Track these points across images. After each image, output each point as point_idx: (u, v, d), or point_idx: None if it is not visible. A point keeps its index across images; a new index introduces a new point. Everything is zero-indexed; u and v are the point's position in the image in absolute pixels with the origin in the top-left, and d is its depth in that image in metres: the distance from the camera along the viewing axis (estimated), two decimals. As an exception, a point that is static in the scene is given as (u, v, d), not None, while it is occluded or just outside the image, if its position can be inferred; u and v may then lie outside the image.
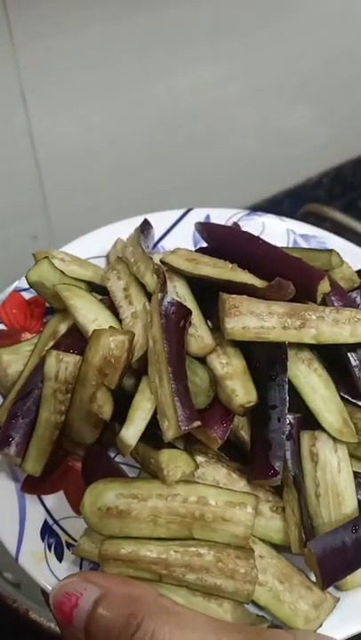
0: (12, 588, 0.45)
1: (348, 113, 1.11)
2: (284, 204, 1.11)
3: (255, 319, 0.38)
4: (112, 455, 0.40)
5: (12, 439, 0.37)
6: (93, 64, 0.70)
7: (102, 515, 0.33)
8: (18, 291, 0.46)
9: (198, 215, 0.54)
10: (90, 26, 0.66)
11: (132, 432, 0.36)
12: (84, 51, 0.68)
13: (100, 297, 0.44)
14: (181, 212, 0.55)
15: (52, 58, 0.66)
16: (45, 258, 0.44)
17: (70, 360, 0.38)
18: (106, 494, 0.34)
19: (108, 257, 0.51)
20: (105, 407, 0.37)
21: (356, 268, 0.46)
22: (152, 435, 0.37)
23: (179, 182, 0.92)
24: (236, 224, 0.54)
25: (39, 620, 0.42)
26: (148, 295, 0.41)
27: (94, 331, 0.38)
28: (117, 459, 0.40)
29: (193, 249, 0.49)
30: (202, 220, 0.54)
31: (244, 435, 0.39)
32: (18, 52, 0.62)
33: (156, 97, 0.80)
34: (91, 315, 0.41)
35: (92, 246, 0.50)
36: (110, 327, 0.39)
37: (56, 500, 0.38)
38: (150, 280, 0.42)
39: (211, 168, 0.95)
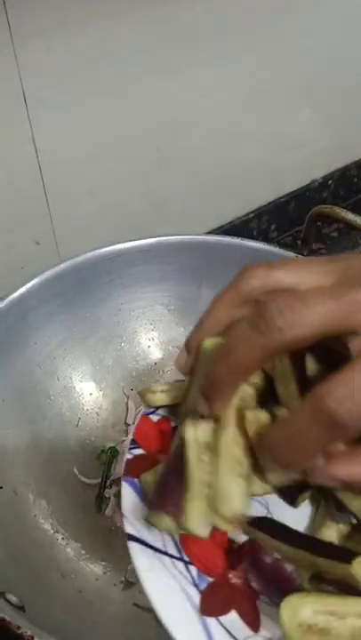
0: (15, 611, 0.43)
1: (352, 114, 1.09)
2: (290, 207, 1.10)
3: None
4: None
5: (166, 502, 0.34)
6: (95, 64, 0.68)
7: (304, 631, 0.31)
8: (146, 414, 0.45)
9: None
10: (91, 22, 0.64)
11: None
12: (85, 50, 0.66)
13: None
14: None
15: (53, 57, 0.64)
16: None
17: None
18: (302, 610, 0.31)
19: None
20: None
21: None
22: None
23: (182, 187, 0.91)
24: None
25: (46, 647, 0.40)
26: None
27: None
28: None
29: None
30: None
31: None
32: (18, 51, 0.61)
33: (159, 98, 0.79)
34: None
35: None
36: None
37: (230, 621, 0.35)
38: None
39: (214, 172, 0.94)
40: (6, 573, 0.49)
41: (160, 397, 0.43)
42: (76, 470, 0.64)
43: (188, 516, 0.33)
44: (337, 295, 0.29)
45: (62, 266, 0.66)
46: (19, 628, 0.41)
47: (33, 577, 0.51)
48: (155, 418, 0.45)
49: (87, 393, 0.69)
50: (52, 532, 0.58)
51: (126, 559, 0.55)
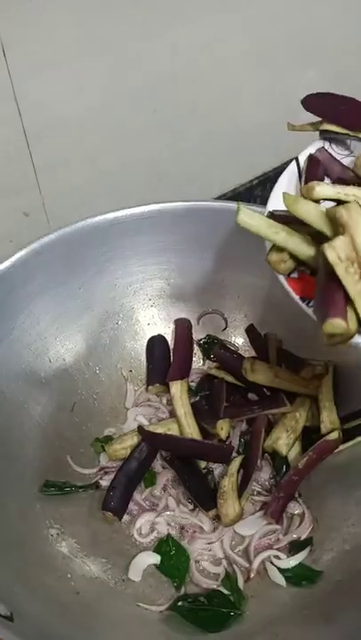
0: (2, 622, 0.38)
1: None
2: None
3: None
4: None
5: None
6: (84, 14, 0.62)
7: None
8: None
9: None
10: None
11: None
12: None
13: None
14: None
15: (36, 4, 0.57)
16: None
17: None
18: None
19: None
20: None
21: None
22: None
23: (181, 151, 0.84)
24: None
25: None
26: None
27: None
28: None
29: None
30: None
31: None
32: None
33: (155, 54, 0.72)
34: None
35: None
36: None
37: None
38: None
39: (216, 135, 0.87)
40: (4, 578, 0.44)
41: None
42: (69, 459, 0.59)
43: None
44: None
45: (52, 236, 0.60)
46: (5, 643, 0.37)
47: (25, 579, 0.47)
48: None
49: (82, 375, 0.64)
50: (45, 527, 0.53)
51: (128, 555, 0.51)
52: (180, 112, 0.80)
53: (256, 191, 0.99)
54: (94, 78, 0.68)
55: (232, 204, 0.64)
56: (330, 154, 0.49)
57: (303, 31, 0.86)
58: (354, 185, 0.43)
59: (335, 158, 0.49)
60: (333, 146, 0.50)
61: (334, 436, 0.56)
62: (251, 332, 0.66)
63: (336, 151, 0.51)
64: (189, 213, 0.64)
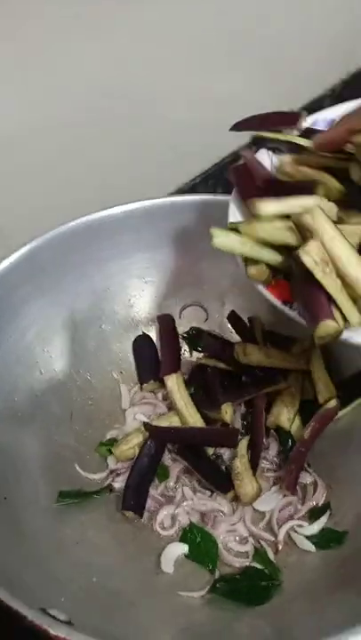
0: (65, 626, 0.38)
1: (284, 67, 1.06)
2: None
3: None
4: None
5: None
6: (19, 30, 0.62)
7: None
8: None
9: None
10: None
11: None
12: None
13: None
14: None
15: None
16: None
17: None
18: None
19: None
20: None
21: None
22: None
23: (127, 156, 0.85)
24: None
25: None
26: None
27: None
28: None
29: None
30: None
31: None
32: None
33: (93, 62, 0.73)
34: None
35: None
36: None
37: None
38: None
39: (155, 138, 0.89)
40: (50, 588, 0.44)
41: None
42: (77, 467, 0.59)
43: (350, 314, 0.40)
44: None
45: (27, 247, 0.60)
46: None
47: (66, 590, 0.46)
48: None
49: (74, 383, 0.63)
50: (68, 537, 0.53)
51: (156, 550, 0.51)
52: (120, 118, 0.81)
53: (199, 189, 1.01)
54: (36, 93, 0.68)
55: (199, 197, 0.66)
56: (256, 159, 0.52)
57: (233, 33, 0.89)
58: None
59: (261, 163, 0.52)
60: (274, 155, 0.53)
61: (333, 403, 0.58)
62: (232, 317, 0.67)
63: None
64: (153, 211, 0.65)
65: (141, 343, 0.67)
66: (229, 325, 0.68)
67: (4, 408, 0.56)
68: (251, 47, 0.95)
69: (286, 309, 0.44)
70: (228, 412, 0.59)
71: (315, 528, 0.54)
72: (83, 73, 0.72)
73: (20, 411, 0.58)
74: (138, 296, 0.68)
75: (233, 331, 0.68)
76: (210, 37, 0.86)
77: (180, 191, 0.97)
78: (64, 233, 0.61)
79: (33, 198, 0.74)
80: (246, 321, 0.67)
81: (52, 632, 0.37)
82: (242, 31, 0.91)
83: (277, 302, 0.44)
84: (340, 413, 0.59)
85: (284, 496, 0.57)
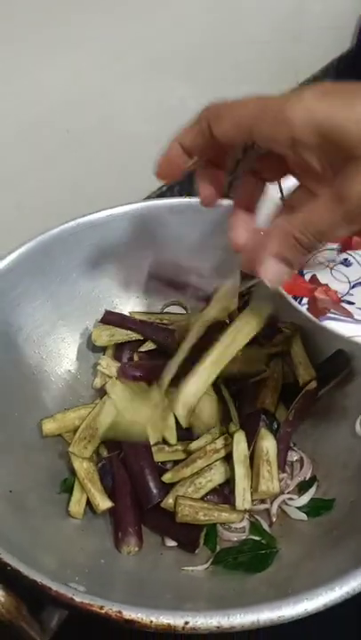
0: (87, 594, 0.40)
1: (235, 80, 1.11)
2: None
3: None
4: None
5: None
6: None
7: None
8: None
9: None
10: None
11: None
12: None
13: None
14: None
15: None
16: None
17: None
18: None
19: None
20: None
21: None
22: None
23: (95, 166, 0.89)
24: None
25: (137, 617, 0.38)
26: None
27: None
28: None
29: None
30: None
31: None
32: None
33: (59, 77, 0.76)
34: None
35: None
36: None
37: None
38: None
39: (123, 148, 0.92)
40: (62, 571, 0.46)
41: None
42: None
43: None
44: None
45: (15, 253, 0.62)
46: (102, 607, 0.39)
47: (79, 569, 0.48)
48: None
49: (66, 383, 0.66)
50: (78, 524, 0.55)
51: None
52: (89, 129, 0.84)
53: (166, 196, 1.05)
54: (3, 108, 0.70)
55: (175, 200, 0.70)
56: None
57: (189, 47, 0.94)
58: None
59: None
60: None
61: (313, 385, 0.62)
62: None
63: None
64: (138, 213, 0.69)
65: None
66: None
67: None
68: (204, 60, 1.00)
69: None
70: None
71: (305, 499, 0.57)
72: (46, 87, 0.75)
73: (16, 410, 0.60)
74: (121, 297, 0.71)
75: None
76: (164, 53, 0.90)
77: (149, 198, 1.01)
78: (50, 238, 0.64)
79: (9, 209, 0.77)
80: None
81: (77, 599, 0.39)
82: (197, 45, 0.96)
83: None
84: (319, 393, 0.63)
85: (275, 473, 0.60)
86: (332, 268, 0.55)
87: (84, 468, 0.58)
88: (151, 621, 0.38)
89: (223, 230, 0.47)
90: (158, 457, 0.59)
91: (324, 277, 0.54)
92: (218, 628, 0.38)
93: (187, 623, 0.38)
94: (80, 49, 0.76)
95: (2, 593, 0.37)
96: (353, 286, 0.53)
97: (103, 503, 0.56)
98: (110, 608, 0.39)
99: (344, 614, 0.46)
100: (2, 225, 0.75)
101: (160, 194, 1.04)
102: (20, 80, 0.70)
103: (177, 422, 0.56)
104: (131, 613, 0.38)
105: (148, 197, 1.01)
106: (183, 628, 0.38)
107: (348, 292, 0.53)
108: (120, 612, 0.38)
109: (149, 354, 0.67)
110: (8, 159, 0.74)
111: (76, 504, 0.56)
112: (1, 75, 0.68)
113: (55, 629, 0.42)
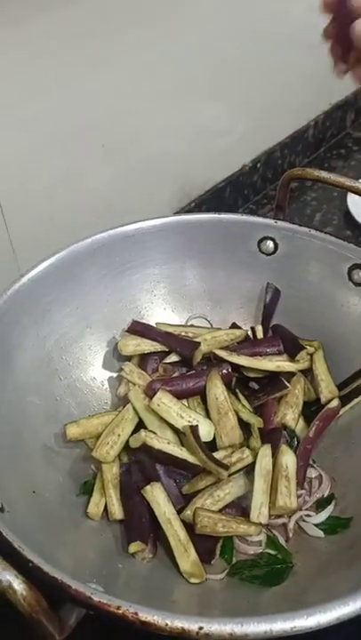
0: (105, 594, 0.41)
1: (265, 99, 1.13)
2: (225, 192, 1.12)
3: None
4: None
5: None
6: (18, 64, 0.67)
7: None
8: None
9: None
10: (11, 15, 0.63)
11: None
12: (11, 51, 0.65)
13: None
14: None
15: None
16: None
17: None
18: None
19: None
20: None
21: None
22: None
23: (127, 180, 0.91)
24: None
25: (153, 619, 0.39)
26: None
27: None
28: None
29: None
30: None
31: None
32: None
33: (93, 93, 0.78)
34: None
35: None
36: None
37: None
38: None
39: (152, 164, 0.94)
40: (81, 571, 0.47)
41: None
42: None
43: None
44: None
45: (48, 262, 0.64)
46: (118, 607, 0.40)
47: (100, 574, 0.49)
48: None
49: (91, 390, 0.67)
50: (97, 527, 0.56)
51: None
52: (123, 145, 0.86)
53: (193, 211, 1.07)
54: (43, 122, 0.73)
55: (205, 215, 0.72)
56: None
57: (217, 67, 0.96)
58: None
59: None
60: None
61: (335, 403, 0.63)
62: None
63: None
64: (162, 229, 0.71)
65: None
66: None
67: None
68: (233, 81, 1.02)
69: None
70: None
71: (322, 517, 0.58)
72: (85, 102, 0.77)
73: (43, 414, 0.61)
74: (147, 308, 0.73)
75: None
76: (194, 74, 0.92)
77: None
78: (82, 248, 0.66)
79: (45, 220, 0.79)
80: (249, 331, 0.72)
81: (95, 599, 0.40)
82: (225, 65, 0.97)
83: None
84: (341, 412, 0.64)
85: (293, 489, 0.61)
86: None
87: (112, 472, 0.59)
88: (166, 624, 0.39)
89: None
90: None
91: None
92: (231, 635, 0.38)
93: (201, 628, 0.38)
94: (117, 66, 0.79)
95: (24, 587, 0.37)
96: None
97: (118, 513, 0.57)
98: (127, 609, 0.39)
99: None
100: (37, 236, 0.78)
101: (188, 210, 1.06)
102: (61, 94, 0.73)
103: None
104: (147, 615, 0.39)
105: (177, 213, 1.03)
106: (197, 632, 0.39)
107: None
108: (136, 614, 0.39)
109: (174, 365, 0.68)
110: (45, 172, 0.76)
111: (95, 506, 0.57)
112: (42, 90, 0.70)
113: (73, 627, 0.42)
